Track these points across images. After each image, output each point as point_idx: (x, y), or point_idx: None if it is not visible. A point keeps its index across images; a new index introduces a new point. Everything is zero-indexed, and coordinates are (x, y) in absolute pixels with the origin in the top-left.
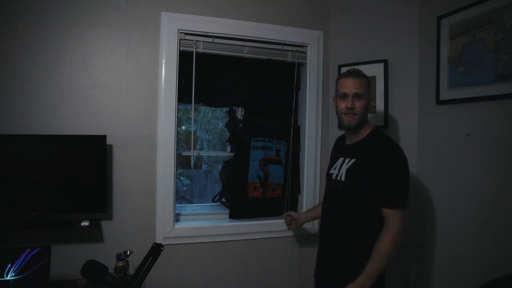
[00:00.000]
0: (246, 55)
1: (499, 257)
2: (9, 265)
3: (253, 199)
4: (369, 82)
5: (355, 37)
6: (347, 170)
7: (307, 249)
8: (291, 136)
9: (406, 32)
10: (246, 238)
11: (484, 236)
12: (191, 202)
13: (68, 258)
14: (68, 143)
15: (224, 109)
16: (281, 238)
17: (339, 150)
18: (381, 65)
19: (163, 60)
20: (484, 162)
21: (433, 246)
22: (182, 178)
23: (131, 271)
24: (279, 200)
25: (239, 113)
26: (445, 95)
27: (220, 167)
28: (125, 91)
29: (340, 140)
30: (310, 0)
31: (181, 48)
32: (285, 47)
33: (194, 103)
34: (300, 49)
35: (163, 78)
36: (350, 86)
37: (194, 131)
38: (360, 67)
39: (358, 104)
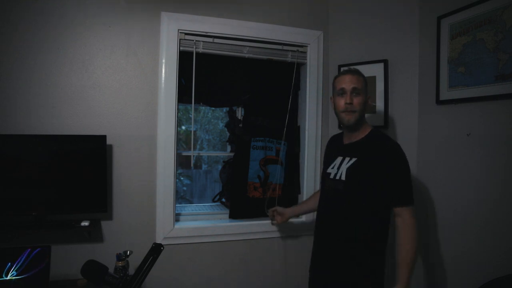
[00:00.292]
0: (246, 55)
1: (499, 257)
2: (9, 265)
3: (253, 199)
4: (366, 82)
5: (355, 37)
6: (348, 169)
7: (307, 249)
8: (284, 135)
9: (406, 32)
10: (246, 238)
11: (484, 236)
12: (191, 202)
13: (68, 258)
14: (68, 143)
15: (224, 109)
16: (281, 238)
17: (337, 149)
18: (381, 65)
19: (163, 60)
20: (484, 162)
21: (433, 246)
22: (182, 178)
23: (131, 271)
24: (279, 200)
25: (239, 113)
26: (445, 95)
27: (220, 167)
28: (125, 91)
29: (335, 139)
30: (310, 0)
31: (181, 48)
32: (285, 47)
33: (194, 103)
34: (300, 49)
35: (163, 78)
36: (348, 81)
37: (194, 131)
38: (360, 67)
39: (357, 100)
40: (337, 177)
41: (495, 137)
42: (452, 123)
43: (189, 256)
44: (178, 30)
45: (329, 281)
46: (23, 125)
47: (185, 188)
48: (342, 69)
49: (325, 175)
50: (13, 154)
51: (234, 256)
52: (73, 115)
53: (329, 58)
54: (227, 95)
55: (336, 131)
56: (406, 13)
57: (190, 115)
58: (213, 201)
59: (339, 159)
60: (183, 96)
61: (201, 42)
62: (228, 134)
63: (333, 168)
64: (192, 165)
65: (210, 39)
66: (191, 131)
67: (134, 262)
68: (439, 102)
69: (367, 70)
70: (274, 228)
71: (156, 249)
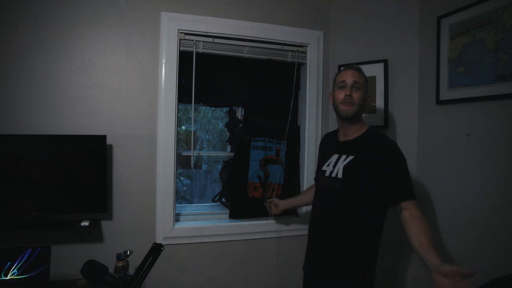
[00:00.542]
0: (246, 55)
1: (499, 257)
2: (9, 264)
3: (253, 199)
4: (367, 81)
5: (355, 37)
6: (345, 167)
7: None
8: (287, 135)
9: (406, 32)
10: (246, 238)
11: (485, 236)
12: (191, 202)
13: (68, 258)
14: (68, 143)
15: (224, 109)
16: (281, 238)
17: (333, 146)
18: (381, 65)
19: (163, 60)
20: (484, 162)
21: None
22: (182, 178)
23: (131, 271)
24: (281, 199)
25: (239, 113)
26: (445, 95)
27: (220, 167)
28: (125, 91)
29: (330, 137)
30: (310, 0)
31: (181, 48)
32: (285, 47)
33: (194, 103)
34: (300, 49)
35: (163, 78)
36: (349, 75)
37: (194, 131)
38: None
39: (356, 94)
40: (333, 175)
41: (495, 137)
42: (452, 123)
43: (189, 256)
44: (178, 30)
45: (324, 276)
46: (23, 125)
47: (185, 188)
48: (343, 68)
49: (320, 173)
50: (13, 154)
51: (234, 256)
52: (73, 115)
53: (329, 58)
54: (227, 95)
55: None
56: (406, 13)
57: (190, 115)
58: (213, 201)
59: (335, 156)
60: (183, 96)
61: (201, 42)
62: (228, 134)
63: (328, 165)
64: (192, 165)
65: (210, 39)
66: (191, 131)
67: (134, 262)
68: (439, 102)
69: (367, 70)
70: (274, 228)
71: (156, 249)
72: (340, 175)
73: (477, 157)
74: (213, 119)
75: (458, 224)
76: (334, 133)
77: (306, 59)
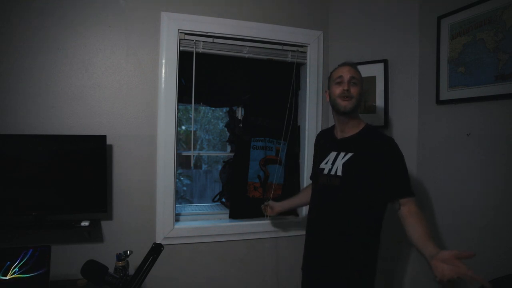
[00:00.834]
0: (246, 55)
1: (499, 257)
2: (8, 264)
3: (253, 199)
4: (362, 78)
5: (355, 37)
6: (344, 164)
7: None
8: (284, 135)
9: (406, 32)
10: (246, 238)
11: (485, 236)
12: (191, 202)
13: (68, 258)
14: (68, 143)
15: (224, 109)
16: (281, 238)
17: (330, 144)
18: (381, 65)
19: (163, 60)
20: (484, 162)
21: None
22: (182, 178)
23: (131, 271)
24: (279, 200)
25: (239, 113)
26: (445, 95)
27: (220, 167)
28: (125, 91)
29: (326, 134)
30: (310, 0)
31: (181, 48)
32: (285, 47)
33: (194, 103)
34: (300, 49)
35: (163, 78)
36: (346, 71)
37: (194, 131)
38: (360, 67)
39: (354, 89)
40: (332, 173)
41: (495, 137)
42: (452, 123)
43: (189, 256)
44: (178, 30)
45: (321, 276)
46: (23, 125)
47: (185, 188)
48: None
49: (318, 171)
50: (13, 154)
51: (234, 256)
52: (73, 115)
53: (329, 58)
54: (227, 95)
55: None
56: (406, 13)
57: (190, 115)
58: (213, 201)
59: (333, 154)
60: (183, 96)
61: (201, 42)
62: (228, 134)
63: (326, 163)
64: (192, 165)
65: (210, 39)
66: (191, 131)
67: (134, 262)
68: (439, 102)
69: (367, 70)
70: (274, 228)
71: (156, 249)
72: (339, 173)
73: (477, 157)
74: (213, 119)
75: (458, 224)
76: (330, 130)
77: (306, 59)
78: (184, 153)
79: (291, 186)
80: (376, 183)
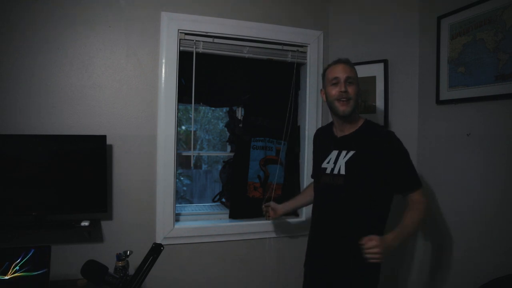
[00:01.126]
0: (246, 55)
1: (499, 257)
2: (7, 264)
3: (253, 199)
4: (357, 74)
5: (355, 37)
6: (347, 163)
7: None
8: (285, 135)
9: (406, 32)
10: (246, 238)
11: (485, 236)
12: (191, 202)
13: (68, 258)
14: (68, 143)
15: (224, 109)
16: (281, 238)
17: (330, 142)
18: (381, 65)
19: (163, 60)
20: (484, 162)
21: (433, 246)
22: (182, 178)
23: (131, 271)
24: (279, 200)
25: (239, 113)
26: (445, 95)
27: (220, 167)
28: (125, 91)
29: (325, 132)
30: (310, 0)
31: (181, 48)
32: (285, 47)
33: (194, 103)
34: (300, 49)
35: (163, 78)
36: (341, 71)
37: (194, 131)
38: (360, 67)
39: (351, 89)
40: (335, 172)
41: (495, 137)
42: (452, 123)
43: (189, 256)
44: (178, 30)
45: (324, 275)
46: (23, 125)
47: (185, 188)
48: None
49: (320, 171)
50: (13, 154)
51: (234, 256)
52: (73, 115)
53: (329, 58)
54: (227, 95)
55: None
56: (406, 13)
57: (190, 115)
58: (213, 201)
59: (335, 153)
60: (183, 96)
61: (201, 42)
62: (228, 134)
63: (328, 162)
64: (192, 165)
65: (210, 39)
66: (191, 131)
67: (134, 262)
68: (439, 102)
69: (367, 70)
70: (274, 228)
71: (156, 249)
72: (343, 171)
73: (477, 157)
74: (213, 119)
75: (458, 224)
76: (329, 127)
77: (306, 59)
78: (184, 153)
79: (291, 186)
80: (378, 181)
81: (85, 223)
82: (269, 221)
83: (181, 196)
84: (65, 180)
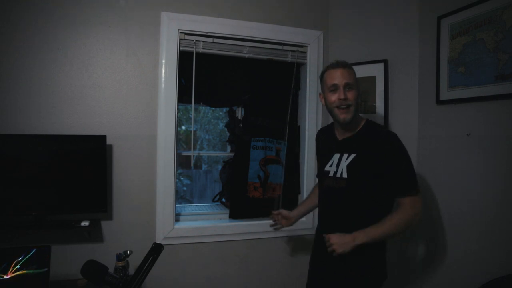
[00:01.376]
0: (246, 55)
1: (500, 257)
2: (6, 265)
3: (253, 199)
4: (356, 76)
5: (355, 37)
6: (348, 166)
7: (307, 249)
8: (287, 135)
9: (406, 32)
10: (246, 238)
11: (485, 236)
12: (191, 202)
13: (68, 258)
14: (68, 143)
15: (224, 109)
16: (281, 238)
17: (332, 145)
18: (381, 65)
19: (163, 60)
20: (484, 162)
21: (434, 247)
22: (182, 178)
23: (131, 271)
24: (279, 200)
25: (239, 113)
26: (445, 95)
27: (220, 167)
28: (125, 91)
29: (326, 133)
30: (310, 0)
31: (181, 48)
32: (285, 47)
33: (194, 103)
34: (300, 49)
35: (163, 78)
36: (339, 76)
37: (194, 131)
38: (360, 67)
39: (350, 95)
40: (338, 175)
41: (495, 137)
42: (452, 123)
43: (189, 256)
44: (178, 30)
45: (327, 275)
46: (23, 125)
47: (185, 188)
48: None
49: (323, 174)
50: (13, 154)
51: (234, 256)
52: (73, 115)
53: (329, 58)
54: (227, 95)
55: None
56: (406, 13)
57: (190, 115)
58: (213, 201)
59: (337, 156)
60: (183, 96)
61: (201, 42)
62: (228, 134)
63: (331, 166)
64: (192, 165)
65: (210, 39)
66: (191, 131)
67: (134, 262)
68: (439, 102)
69: (367, 70)
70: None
71: (156, 249)
72: (345, 175)
73: (477, 157)
74: (213, 119)
75: (458, 224)
76: (330, 128)
77: (306, 59)
78: (184, 153)
79: (291, 186)
80: (379, 183)
81: (85, 223)
82: (269, 221)
83: (181, 196)
84: (65, 180)
